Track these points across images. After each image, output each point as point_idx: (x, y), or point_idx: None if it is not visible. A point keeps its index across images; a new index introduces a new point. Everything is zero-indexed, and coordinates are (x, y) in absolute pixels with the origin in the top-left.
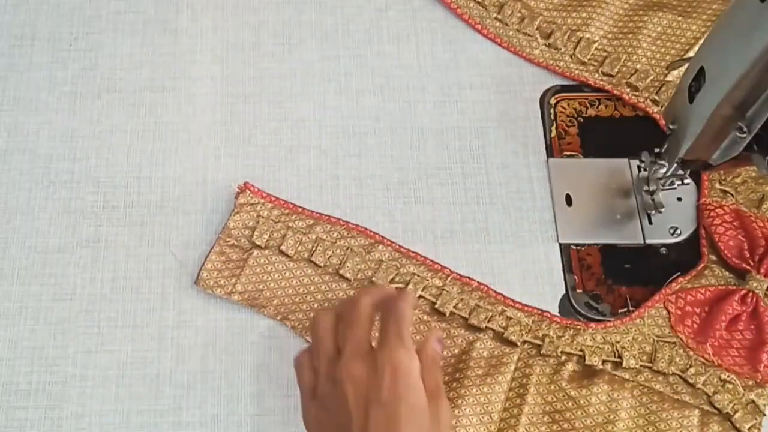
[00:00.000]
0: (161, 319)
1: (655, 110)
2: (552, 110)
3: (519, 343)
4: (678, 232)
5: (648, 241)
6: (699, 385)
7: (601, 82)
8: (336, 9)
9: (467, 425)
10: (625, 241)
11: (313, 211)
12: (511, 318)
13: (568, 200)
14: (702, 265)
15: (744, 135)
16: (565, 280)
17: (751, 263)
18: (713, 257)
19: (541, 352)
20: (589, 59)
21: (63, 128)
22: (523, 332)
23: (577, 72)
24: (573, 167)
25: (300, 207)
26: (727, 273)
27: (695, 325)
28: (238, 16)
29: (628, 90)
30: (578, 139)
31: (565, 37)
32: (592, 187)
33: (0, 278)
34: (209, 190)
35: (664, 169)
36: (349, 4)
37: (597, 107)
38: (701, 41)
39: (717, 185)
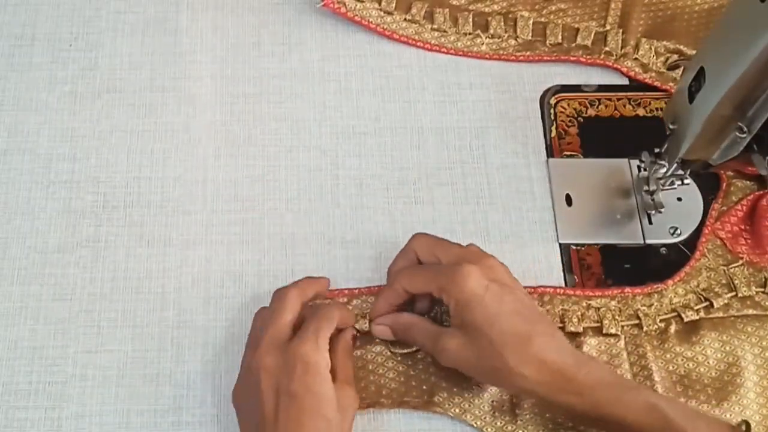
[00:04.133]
0: (161, 319)
1: (613, 61)
2: (552, 110)
3: (619, 332)
4: (678, 232)
5: (648, 241)
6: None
7: (555, 55)
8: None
9: None
10: (625, 241)
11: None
12: (599, 308)
13: (568, 200)
14: (724, 184)
15: (744, 135)
16: (565, 280)
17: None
18: (730, 174)
19: (644, 329)
20: (532, 36)
21: (63, 128)
22: (617, 318)
23: (528, 53)
24: (573, 167)
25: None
26: (748, 182)
27: (749, 241)
28: (238, 16)
29: (580, 52)
30: (578, 139)
31: (502, 23)
32: (592, 187)
33: (0, 278)
34: (209, 190)
35: (664, 169)
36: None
37: (597, 107)
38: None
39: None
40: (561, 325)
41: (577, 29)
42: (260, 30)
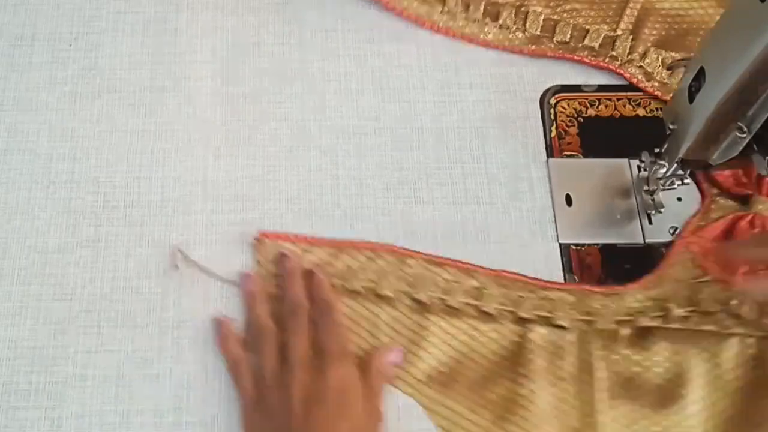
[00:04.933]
0: (161, 319)
1: (617, 65)
2: (552, 110)
3: (570, 326)
4: (678, 232)
5: (648, 241)
6: (743, 313)
7: (559, 52)
8: (336, 9)
9: (548, 417)
10: (625, 241)
11: (332, 240)
12: (555, 300)
13: (568, 200)
14: (707, 200)
15: (744, 135)
16: (565, 280)
17: (751, 187)
18: (714, 191)
19: (597, 327)
20: (540, 32)
21: (63, 128)
22: (572, 312)
23: (533, 47)
24: (573, 167)
25: (319, 238)
26: (731, 202)
27: (720, 259)
28: (238, 16)
29: (585, 53)
30: (578, 139)
31: (513, 15)
32: (592, 187)
33: (0, 278)
34: (209, 190)
35: (664, 169)
36: (349, 4)
37: (597, 107)
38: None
39: None
40: (512, 309)
41: (587, 30)
42: (260, 30)
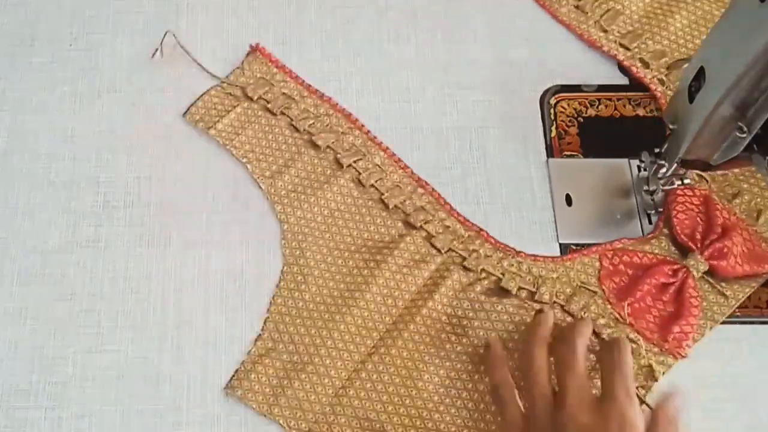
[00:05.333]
0: (161, 319)
1: (659, 89)
2: (552, 110)
3: (444, 251)
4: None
5: None
6: (603, 335)
7: (615, 52)
8: (336, 9)
9: (370, 303)
10: None
11: (316, 90)
12: (448, 227)
13: (568, 200)
14: (652, 234)
15: (744, 135)
16: None
17: (698, 245)
18: (666, 231)
19: (464, 264)
20: (611, 28)
21: (63, 128)
22: (454, 241)
23: (595, 37)
24: (573, 167)
25: (302, 81)
26: (672, 248)
27: (622, 284)
28: (238, 16)
29: (639, 65)
30: (578, 139)
31: (595, 4)
32: (592, 187)
33: (0, 278)
34: (209, 190)
35: (664, 169)
36: (349, 4)
37: (597, 107)
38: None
39: (695, 171)
40: (408, 212)
41: (655, 49)
42: (260, 30)
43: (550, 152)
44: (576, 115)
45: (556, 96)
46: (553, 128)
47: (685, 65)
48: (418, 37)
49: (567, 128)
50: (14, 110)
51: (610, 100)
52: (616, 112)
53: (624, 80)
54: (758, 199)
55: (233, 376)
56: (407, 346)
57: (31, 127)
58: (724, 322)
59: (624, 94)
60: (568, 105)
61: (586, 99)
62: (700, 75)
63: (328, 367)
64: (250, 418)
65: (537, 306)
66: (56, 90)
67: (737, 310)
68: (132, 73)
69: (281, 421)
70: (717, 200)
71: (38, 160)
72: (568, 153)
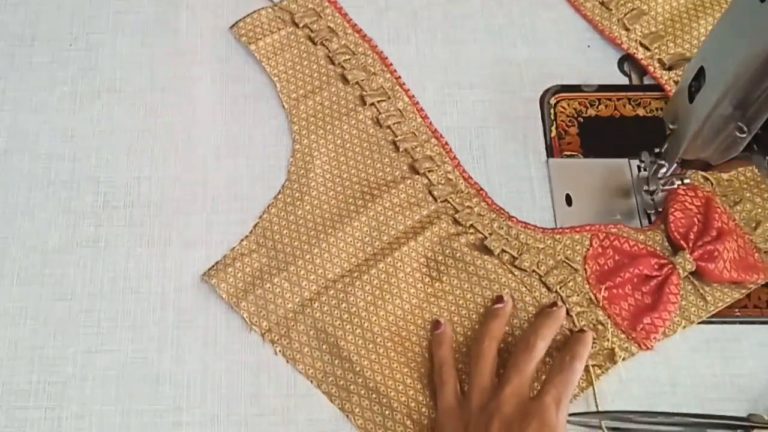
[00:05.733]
0: (161, 319)
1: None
2: (552, 110)
3: (440, 200)
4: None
5: None
6: (573, 314)
7: (634, 51)
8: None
9: (356, 230)
10: None
11: (360, 30)
12: (450, 180)
13: (568, 200)
14: (649, 228)
15: (744, 135)
16: None
17: (690, 244)
18: (662, 227)
19: (455, 216)
20: (634, 27)
21: (63, 128)
22: (452, 194)
23: (617, 34)
24: (573, 167)
25: (350, 19)
26: (666, 243)
27: (606, 267)
28: (238, 16)
29: (657, 65)
30: (578, 139)
31: (621, 2)
32: (592, 187)
33: (0, 278)
34: (209, 190)
35: (664, 169)
36: (349, 5)
37: (597, 107)
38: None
39: (700, 171)
40: (415, 158)
41: (676, 52)
42: None
43: (550, 152)
44: (576, 115)
45: (556, 96)
46: (553, 128)
47: (686, 65)
48: (418, 37)
49: (567, 128)
50: (14, 110)
51: (610, 100)
52: (616, 112)
53: (624, 80)
54: (759, 210)
55: (212, 266)
56: (379, 276)
57: (31, 127)
58: (724, 322)
59: (624, 94)
60: (568, 105)
61: (586, 99)
62: (700, 75)
63: (301, 277)
64: (250, 418)
65: (516, 272)
66: (56, 90)
67: (737, 310)
68: (132, 73)
69: (245, 315)
70: (719, 204)
71: (38, 160)
72: (568, 153)
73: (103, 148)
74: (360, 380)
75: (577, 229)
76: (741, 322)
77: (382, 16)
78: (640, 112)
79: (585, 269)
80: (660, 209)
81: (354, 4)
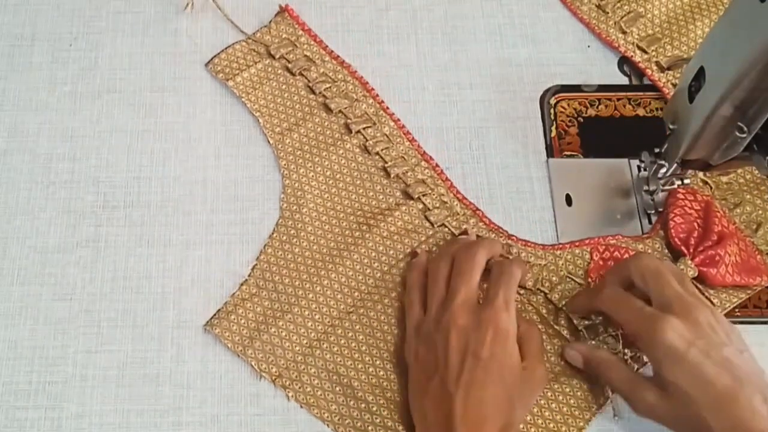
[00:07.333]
0: (161, 319)
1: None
2: (552, 110)
3: (437, 225)
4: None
5: None
6: (580, 328)
7: (631, 54)
8: (336, 9)
9: (356, 263)
10: None
11: (338, 56)
12: (445, 203)
13: (568, 200)
14: (648, 234)
15: (744, 135)
16: None
17: (691, 250)
18: (662, 232)
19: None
20: (631, 30)
21: (63, 128)
22: (448, 217)
23: (614, 37)
24: (573, 167)
25: (326, 46)
26: (665, 250)
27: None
28: (238, 17)
29: (654, 68)
30: (578, 139)
31: (617, 5)
32: (592, 187)
33: (0, 278)
34: (209, 190)
35: (664, 169)
36: (349, 4)
37: (597, 107)
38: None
39: (700, 175)
40: (408, 183)
41: (673, 54)
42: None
43: (550, 152)
44: (576, 115)
45: (556, 96)
46: (553, 128)
47: (685, 65)
48: (418, 37)
49: (567, 128)
50: (14, 110)
51: (610, 100)
52: (616, 112)
53: (624, 80)
54: (760, 212)
55: (214, 314)
56: (385, 311)
57: (31, 127)
58: None
59: (624, 94)
60: (568, 105)
61: (586, 99)
62: (700, 75)
63: (306, 318)
64: (250, 418)
65: (522, 291)
66: (56, 90)
67: (737, 310)
68: (132, 73)
69: (253, 363)
70: (718, 207)
71: (38, 160)
72: (568, 153)
73: (103, 148)
74: (378, 420)
75: (577, 244)
76: (741, 322)
77: (382, 16)
78: (640, 112)
79: (588, 282)
80: (660, 209)
81: (354, 4)
